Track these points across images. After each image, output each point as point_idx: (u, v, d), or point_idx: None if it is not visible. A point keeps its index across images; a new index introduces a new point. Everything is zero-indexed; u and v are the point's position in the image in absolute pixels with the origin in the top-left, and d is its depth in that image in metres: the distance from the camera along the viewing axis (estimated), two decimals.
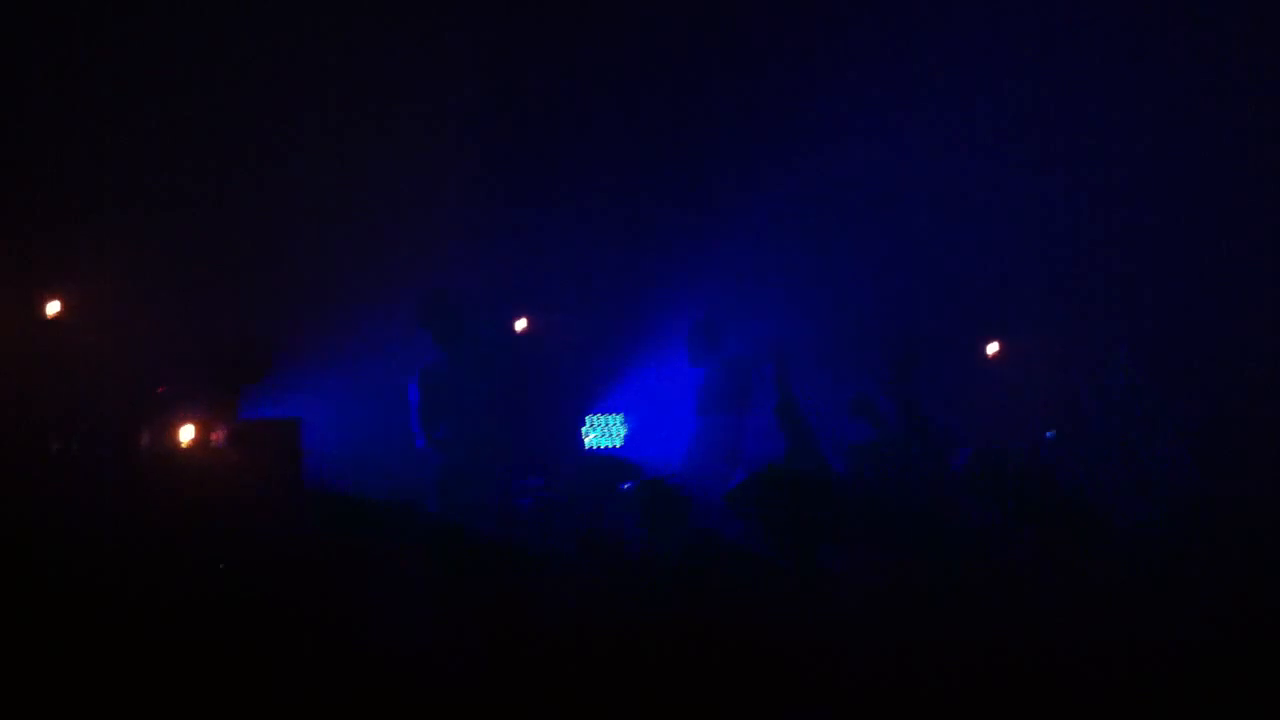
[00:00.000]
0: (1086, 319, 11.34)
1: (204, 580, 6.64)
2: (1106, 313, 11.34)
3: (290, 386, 9.37)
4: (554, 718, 5.30)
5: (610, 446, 10.93)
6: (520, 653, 5.71)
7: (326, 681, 5.42)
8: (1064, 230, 11.64)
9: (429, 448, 9.39)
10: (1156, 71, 11.26)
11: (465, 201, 10.74)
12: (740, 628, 6.07)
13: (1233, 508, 7.67)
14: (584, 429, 10.92)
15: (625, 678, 5.51)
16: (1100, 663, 5.60)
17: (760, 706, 5.31)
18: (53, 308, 9.15)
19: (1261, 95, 11.18)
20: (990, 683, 5.43)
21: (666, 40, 11.15)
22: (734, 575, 6.82)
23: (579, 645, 5.81)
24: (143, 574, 6.55)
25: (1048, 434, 10.04)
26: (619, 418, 11.05)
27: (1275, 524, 7.18)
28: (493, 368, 9.60)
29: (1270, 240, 11.17)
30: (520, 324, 10.64)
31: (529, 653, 5.71)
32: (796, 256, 11.44)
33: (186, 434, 8.55)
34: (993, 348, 11.71)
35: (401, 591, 6.61)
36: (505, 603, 6.38)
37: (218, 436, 8.68)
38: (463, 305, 9.62)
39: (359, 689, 5.37)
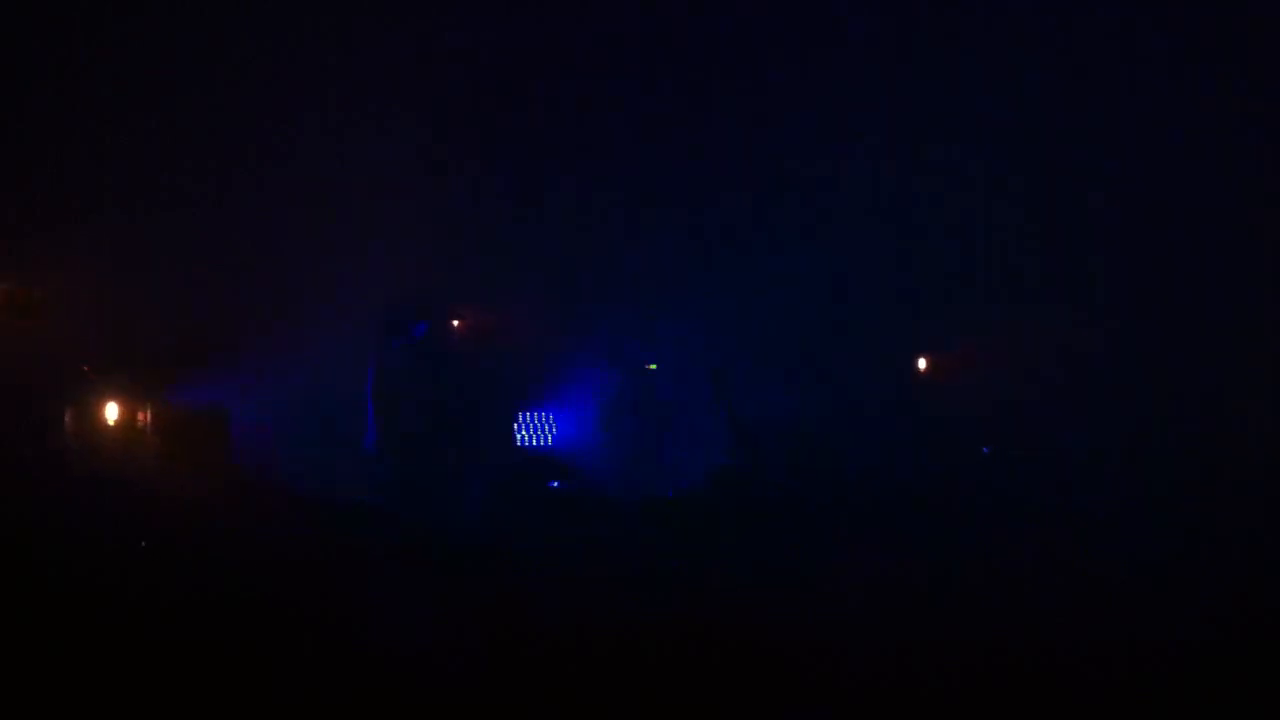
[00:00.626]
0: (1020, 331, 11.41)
1: (126, 558, 6.66)
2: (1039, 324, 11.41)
3: (224, 377, 9.31)
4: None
5: (540, 444, 10.99)
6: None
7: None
8: (1005, 239, 11.68)
9: (377, 446, 9.23)
10: (1108, 87, 11.35)
11: (400, 195, 10.75)
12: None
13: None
14: (515, 426, 10.97)
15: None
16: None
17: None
18: None
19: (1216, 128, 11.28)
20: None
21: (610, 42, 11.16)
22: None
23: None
24: (68, 553, 6.54)
25: (984, 449, 10.26)
26: (549, 416, 11.10)
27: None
28: (440, 363, 9.55)
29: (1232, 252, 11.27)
30: (455, 322, 10.65)
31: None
32: (738, 265, 11.50)
33: (111, 413, 8.52)
34: (922, 363, 11.80)
35: (316, 577, 6.66)
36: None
37: (144, 417, 8.65)
38: (417, 302, 9.59)
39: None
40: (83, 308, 9.36)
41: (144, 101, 9.90)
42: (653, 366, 11.43)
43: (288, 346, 9.74)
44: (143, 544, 6.89)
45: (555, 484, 9.73)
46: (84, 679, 5.21)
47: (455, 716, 5.30)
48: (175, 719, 5.08)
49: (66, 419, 8.61)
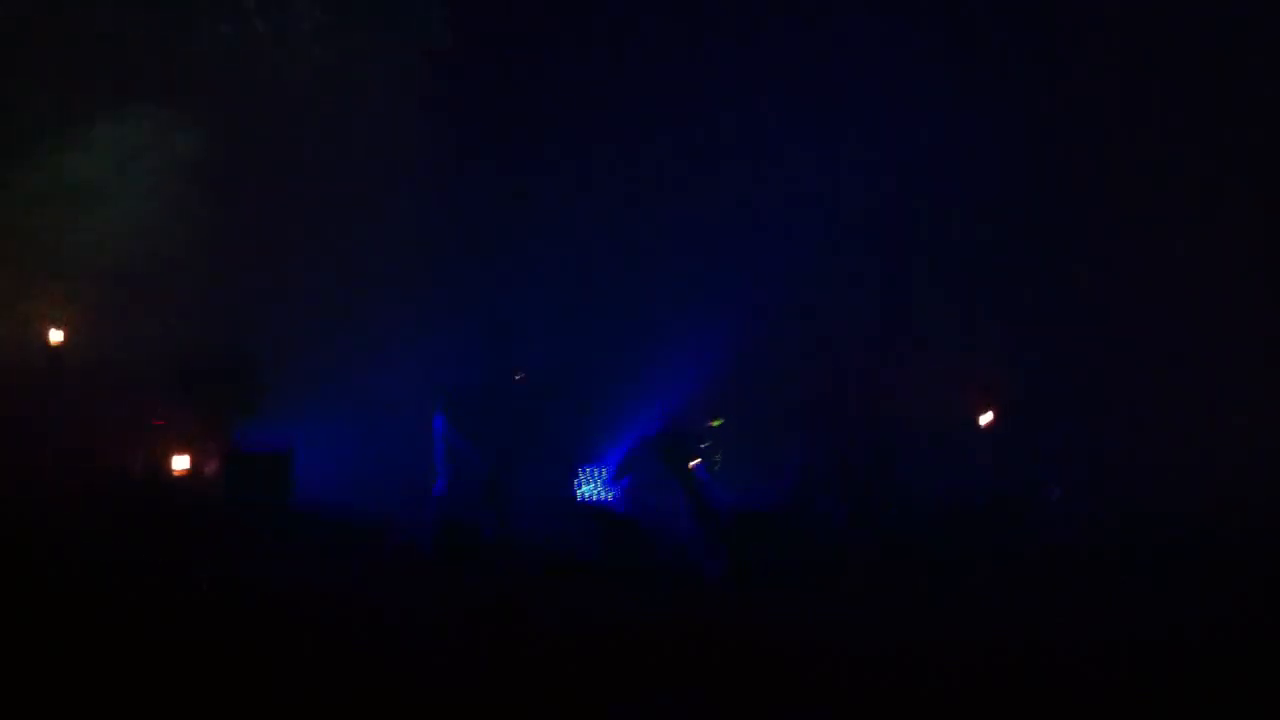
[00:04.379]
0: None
1: (193, 600, 6.74)
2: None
3: (285, 419, 9.41)
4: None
5: (600, 498, 10.96)
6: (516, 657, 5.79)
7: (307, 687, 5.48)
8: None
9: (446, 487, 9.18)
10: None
11: (468, 246, 10.90)
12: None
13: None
14: (576, 480, 10.97)
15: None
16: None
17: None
18: (55, 336, 9.26)
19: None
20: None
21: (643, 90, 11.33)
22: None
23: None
24: (137, 594, 6.64)
25: (1054, 491, 10.15)
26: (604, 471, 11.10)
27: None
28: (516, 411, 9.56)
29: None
30: (518, 376, 10.71)
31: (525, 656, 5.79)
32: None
33: (180, 463, 8.65)
34: (986, 418, 11.69)
35: (381, 616, 6.70)
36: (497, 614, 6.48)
37: (211, 466, 8.78)
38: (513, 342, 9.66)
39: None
40: (151, 360, 9.55)
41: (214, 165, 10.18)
42: (718, 422, 11.45)
43: (352, 390, 9.86)
44: (204, 586, 6.98)
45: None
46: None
47: None
48: None
49: (138, 467, 8.77)
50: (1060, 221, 11.38)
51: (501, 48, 11.15)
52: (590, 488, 10.90)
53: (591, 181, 11.27)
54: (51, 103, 9.65)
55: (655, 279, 11.36)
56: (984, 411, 11.45)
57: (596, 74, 11.21)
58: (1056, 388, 10.88)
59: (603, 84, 11.23)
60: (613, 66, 11.22)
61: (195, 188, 9.87)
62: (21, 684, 5.37)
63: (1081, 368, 10.92)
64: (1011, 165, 11.17)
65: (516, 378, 9.90)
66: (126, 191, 9.77)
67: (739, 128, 11.42)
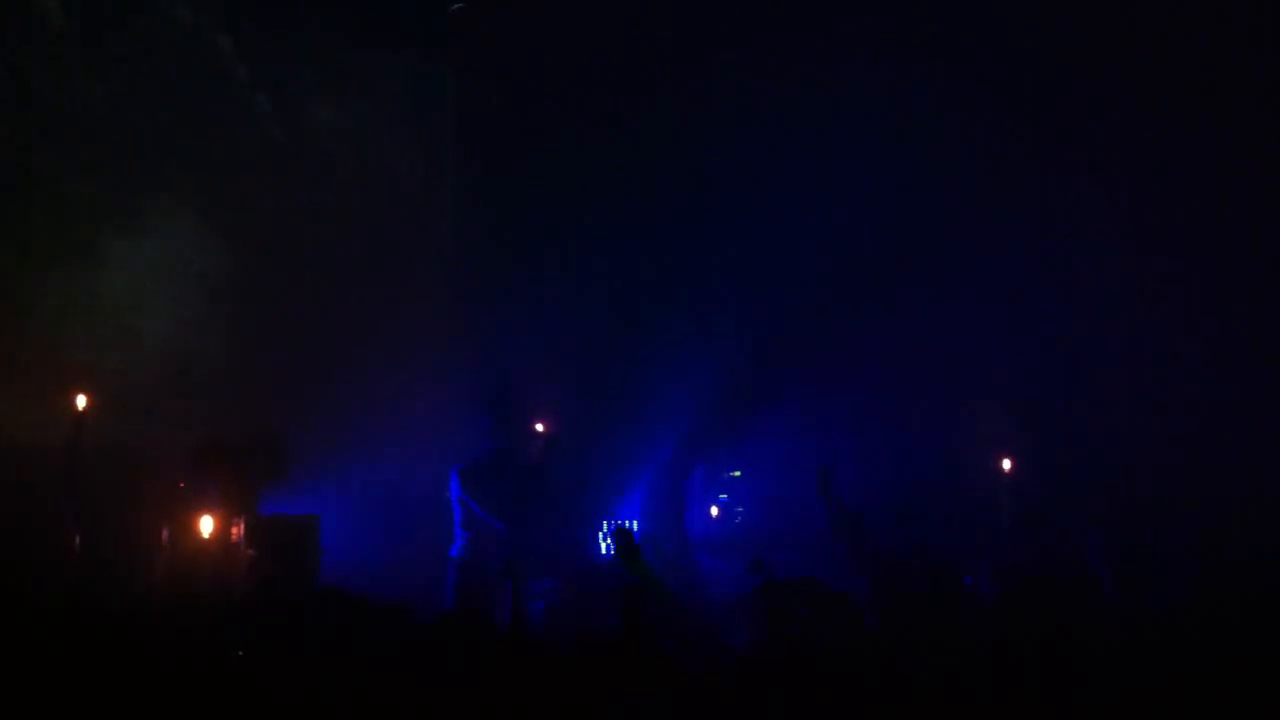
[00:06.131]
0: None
1: (222, 668, 6.74)
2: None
3: (310, 485, 9.47)
4: None
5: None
6: None
7: None
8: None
9: (462, 553, 9.17)
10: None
11: (481, 304, 11.02)
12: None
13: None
14: (600, 534, 10.99)
15: None
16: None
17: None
18: (80, 402, 9.30)
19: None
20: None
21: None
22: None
23: None
24: (163, 662, 6.64)
25: (1091, 541, 10.08)
26: (634, 524, 11.11)
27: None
28: (533, 468, 9.55)
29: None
30: (538, 427, 10.74)
31: None
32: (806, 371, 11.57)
33: (206, 527, 8.67)
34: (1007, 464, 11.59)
35: (409, 687, 6.69)
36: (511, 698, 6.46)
37: (237, 531, 8.80)
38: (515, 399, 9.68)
39: None
40: (173, 424, 9.63)
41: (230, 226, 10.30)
42: (737, 474, 11.48)
43: (374, 452, 9.93)
44: (239, 653, 6.99)
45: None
46: None
47: None
48: None
49: (164, 535, 8.80)
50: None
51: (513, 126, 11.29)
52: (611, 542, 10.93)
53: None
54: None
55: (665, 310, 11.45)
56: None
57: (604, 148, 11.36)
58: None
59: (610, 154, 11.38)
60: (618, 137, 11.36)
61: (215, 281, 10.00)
62: None
63: None
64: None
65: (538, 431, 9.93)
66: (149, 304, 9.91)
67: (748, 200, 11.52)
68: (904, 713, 6.05)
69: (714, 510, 11.25)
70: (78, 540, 8.50)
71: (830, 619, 7.03)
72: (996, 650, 6.76)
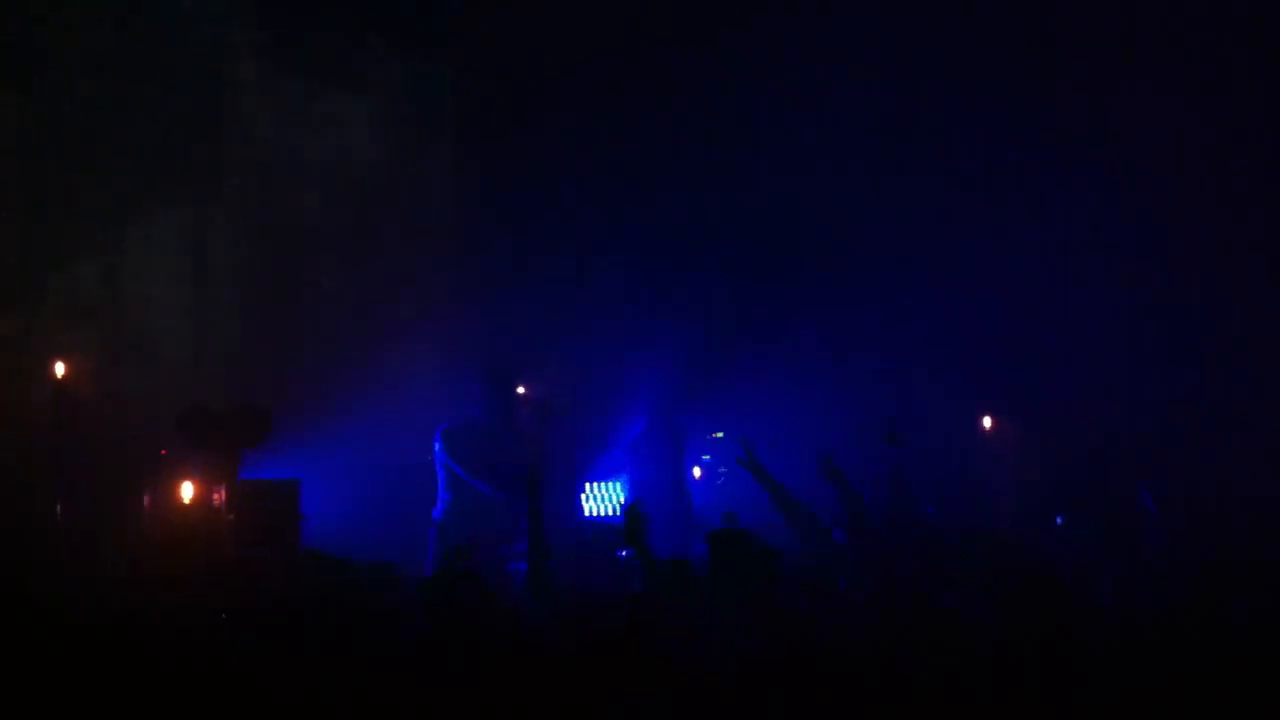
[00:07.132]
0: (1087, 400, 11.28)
1: (204, 635, 6.75)
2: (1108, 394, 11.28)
3: (290, 450, 9.46)
4: None
5: (608, 514, 10.98)
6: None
7: None
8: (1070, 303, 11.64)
9: (444, 515, 9.12)
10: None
11: (463, 264, 11.02)
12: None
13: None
14: (583, 496, 11.00)
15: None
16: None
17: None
18: (59, 370, 9.29)
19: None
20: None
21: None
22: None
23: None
24: (144, 629, 6.65)
25: (1057, 519, 10.08)
26: (617, 485, 11.11)
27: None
28: (512, 431, 9.52)
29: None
30: (519, 390, 10.72)
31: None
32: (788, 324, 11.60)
33: (187, 493, 8.68)
34: (987, 421, 11.57)
35: (391, 653, 6.70)
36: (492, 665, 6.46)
37: (219, 497, 8.80)
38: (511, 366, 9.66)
39: None
40: (158, 389, 9.64)
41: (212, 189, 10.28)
42: (719, 434, 11.46)
43: (350, 416, 9.94)
44: (222, 615, 6.99)
45: (624, 553, 9.68)
46: None
47: None
48: None
49: (145, 500, 8.80)
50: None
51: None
52: (598, 504, 10.95)
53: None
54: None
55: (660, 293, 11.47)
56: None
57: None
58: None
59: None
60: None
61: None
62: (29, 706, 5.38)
63: None
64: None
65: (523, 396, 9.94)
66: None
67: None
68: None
69: (697, 471, 11.23)
70: (59, 507, 8.52)
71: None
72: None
